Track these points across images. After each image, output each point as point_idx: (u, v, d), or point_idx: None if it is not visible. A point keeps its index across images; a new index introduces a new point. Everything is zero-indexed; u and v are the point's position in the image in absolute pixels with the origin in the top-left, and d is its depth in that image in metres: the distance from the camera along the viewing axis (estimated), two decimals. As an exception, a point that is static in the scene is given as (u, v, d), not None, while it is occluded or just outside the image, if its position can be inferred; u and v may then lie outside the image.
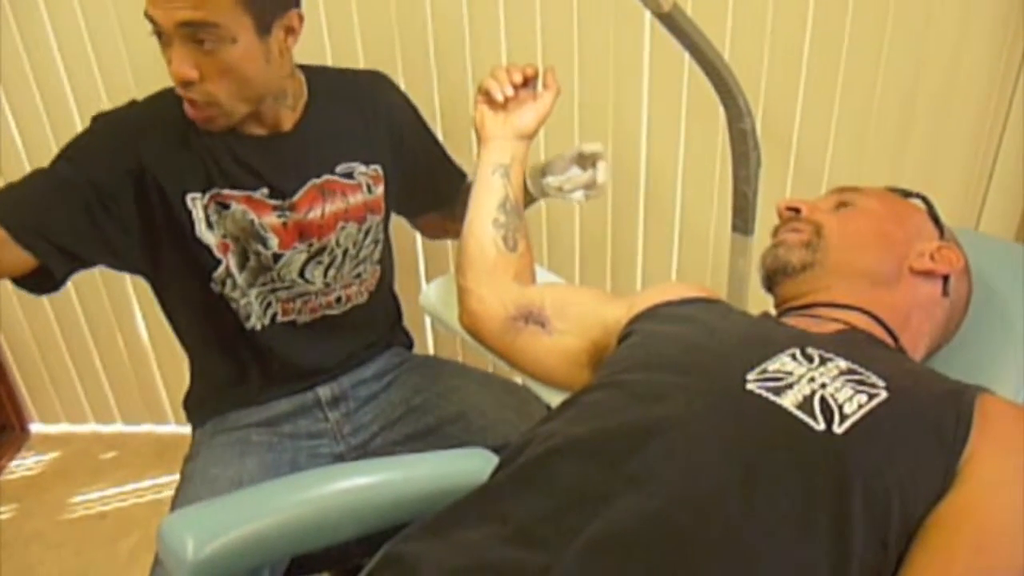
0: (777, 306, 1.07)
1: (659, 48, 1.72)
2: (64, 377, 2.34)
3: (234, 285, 1.30)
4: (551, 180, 1.31)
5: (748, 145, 1.34)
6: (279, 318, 1.36)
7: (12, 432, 2.40)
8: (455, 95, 1.81)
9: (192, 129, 1.21)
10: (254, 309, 1.33)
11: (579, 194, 1.31)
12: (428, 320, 2.04)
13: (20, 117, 1.96)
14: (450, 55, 1.79)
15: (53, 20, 1.84)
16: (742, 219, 1.43)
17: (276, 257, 1.30)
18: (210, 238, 1.25)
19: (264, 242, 1.28)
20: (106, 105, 1.87)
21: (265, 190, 1.26)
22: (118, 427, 2.41)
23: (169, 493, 2.12)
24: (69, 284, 2.16)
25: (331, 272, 1.36)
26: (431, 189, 1.47)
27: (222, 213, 1.25)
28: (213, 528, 0.90)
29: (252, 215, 1.26)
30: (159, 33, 1.10)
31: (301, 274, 1.33)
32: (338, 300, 1.40)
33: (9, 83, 1.92)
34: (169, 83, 1.16)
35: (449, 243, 1.99)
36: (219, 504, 0.98)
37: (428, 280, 2.00)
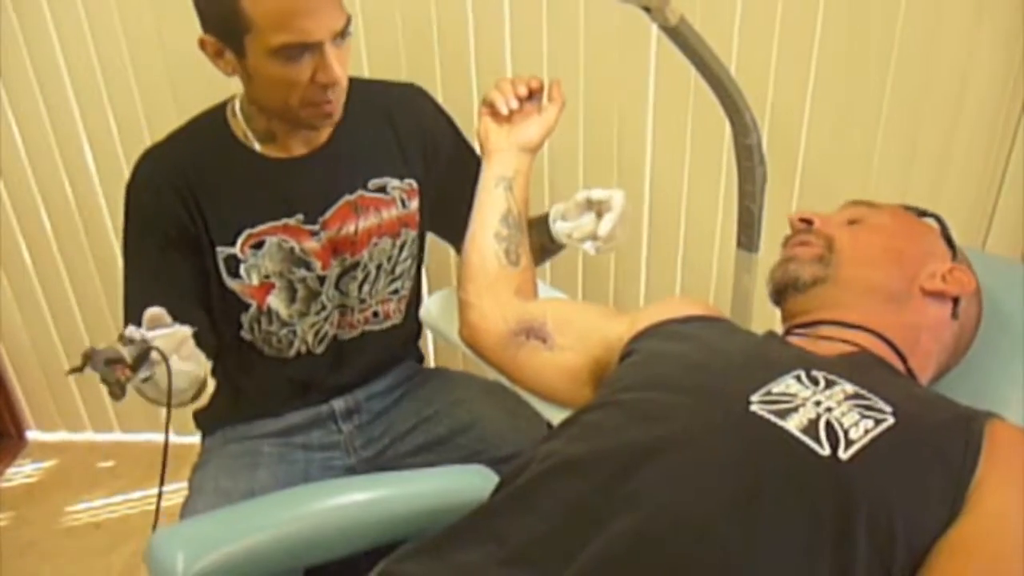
0: (784, 320, 1.05)
1: (665, 62, 1.71)
2: (62, 385, 2.33)
3: (271, 320, 1.30)
4: (561, 226, 1.30)
5: (754, 160, 1.33)
6: (328, 339, 1.36)
7: (9, 439, 2.39)
8: (460, 107, 1.79)
9: (219, 170, 1.24)
10: (299, 339, 1.33)
11: (588, 245, 1.27)
12: (430, 333, 2.02)
13: (20, 115, 1.95)
14: (455, 67, 1.79)
15: (55, 17, 1.83)
16: (747, 236, 1.42)
17: (321, 280, 1.30)
18: (235, 285, 1.26)
19: (308, 266, 1.29)
20: (107, 106, 1.89)
21: (300, 216, 1.26)
22: (116, 436, 2.39)
23: (165, 503, 2.11)
24: (69, 291, 2.18)
25: (365, 287, 1.36)
26: (469, 211, 1.41)
27: (257, 254, 1.25)
28: (204, 544, 0.89)
29: (291, 242, 1.27)
30: (295, 57, 1.10)
31: (336, 286, 1.33)
32: (375, 315, 1.40)
33: (10, 82, 1.91)
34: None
35: (452, 256, 1.97)
36: (211, 519, 0.97)
37: (430, 293, 1.99)
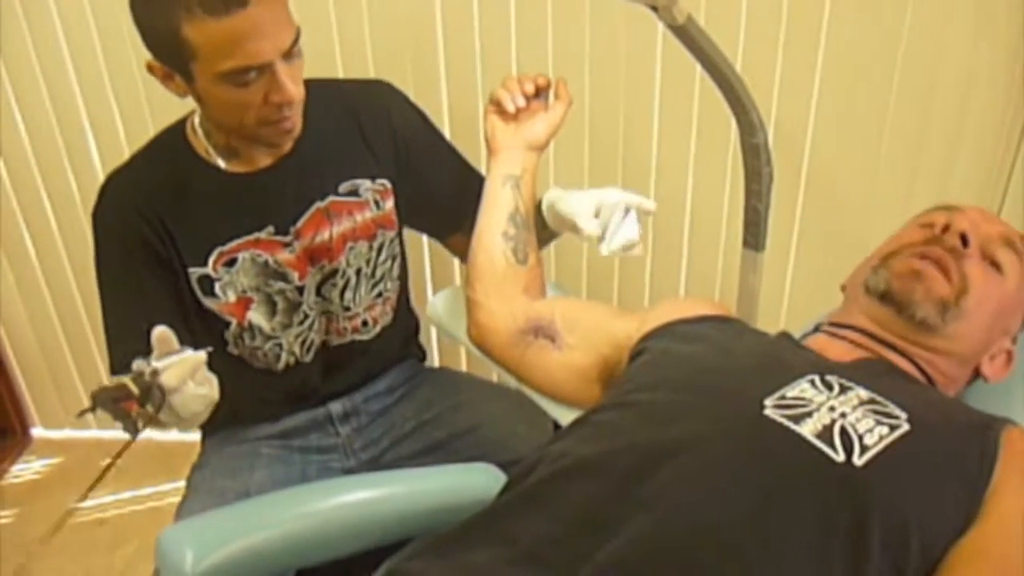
0: (855, 305, 0.99)
1: (670, 60, 1.71)
2: (67, 382, 2.33)
3: (254, 335, 1.29)
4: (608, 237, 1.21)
5: (761, 160, 1.33)
6: (315, 347, 1.35)
7: (14, 436, 2.39)
8: (465, 106, 1.80)
9: (184, 191, 1.21)
10: (286, 351, 1.32)
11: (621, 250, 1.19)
12: (433, 331, 2.02)
13: (25, 107, 1.94)
14: (461, 66, 1.78)
15: (58, 3, 1.82)
16: (753, 235, 1.42)
17: (300, 290, 1.29)
18: (212, 304, 1.25)
19: (284, 277, 1.27)
20: (110, 95, 1.89)
21: (271, 228, 1.24)
22: (120, 433, 2.37)
23: (169, 501, 2.10)
24: (73, 288, 2.18)
25: (348, 294, 1.33)
26: (452, 205, 1.38)
27: (231, 271, 1.23)
28: (212, 541, 0.89)
29: (265, 256, 1.25)
30: (245, 80, 1.06)
31: (318, 292, 1.31)
32: (364, 324, 1.38)
33: (13, 70, 1.91)
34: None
35: (456, 254, 1.97)
36: (219, 516, 0.97)
37: (435, 291, 1.99)
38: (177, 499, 1.34)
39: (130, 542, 2.03)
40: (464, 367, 2.10)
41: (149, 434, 2.39)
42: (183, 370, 0.95)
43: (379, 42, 1.78)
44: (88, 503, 2.18)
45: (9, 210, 2.06)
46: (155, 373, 0.93)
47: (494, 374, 1.96)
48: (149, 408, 0.92)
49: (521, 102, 1.22)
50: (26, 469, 2.32)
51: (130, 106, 1.90)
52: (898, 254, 0.96)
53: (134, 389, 0.91)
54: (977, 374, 0.99)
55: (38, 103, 1.92)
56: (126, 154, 1.89)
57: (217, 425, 1.40)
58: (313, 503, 0.98)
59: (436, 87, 1.80)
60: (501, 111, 1.24)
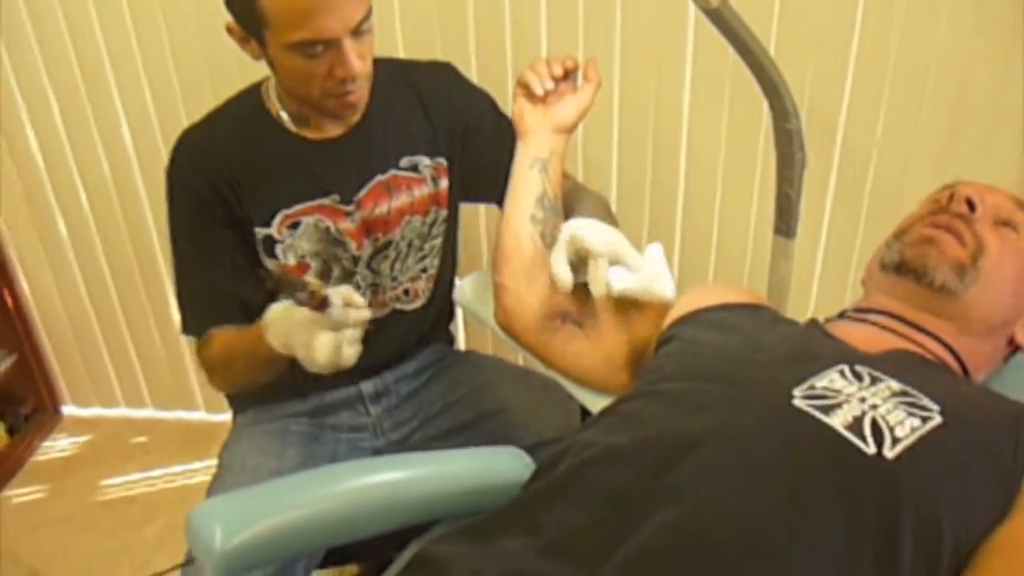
0: (874, 286, 0.99)
1: (702, 44, 1.69)
2: (97, 361, 2.36)
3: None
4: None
5: (794, 146, 1.31)
6: None
7: (45, 413, 2.42)
8: (494, 88, 1.78)
9: (256, 151, 1.24)
10: None
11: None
12: (461, 315, 2.02)
13: (53, 74, 1.96)
14: (490, 47, 1.78)
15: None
16: (785, 222, 1.40)
17: (355, 260, 1.31)
18: (271, 265, 1.27)
19: (343, 246, 1.30)
20: (139, 63, 1.89)
21: (336, 196, 1.27)
22: (149, 412, 2.42)
23: (197, 480, 2.13)
24: (104, 267, 2.20)
25: (397, 265, 1.36)
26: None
27: (294, 235, 1.26)
28: (242, 519, 0.90)
29: (327, 223, 1.27)
30: (312, 52, 1.10)
31: (368, 266, 1.34)
32: (406, 293, 1.40)
33: (11, 40, 1.91)
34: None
35: (484, 237, 1.97)
36: (248, 494, 0.97)
37: (462, 275, 1.98)
38: (203, 479, 1.35)
39: (159, 519, 2.05)
40: (490, 350, 2.10)
41: (179, 413, 2.43)
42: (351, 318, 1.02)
43: (408, 24, 1.77)
44: (118, 480, 2.21)
45: (42, 191, 2.08)
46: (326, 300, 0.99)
47: (520, 358, 1.96)
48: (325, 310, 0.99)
49: (550, 85, 1.21)
50: (56, 446, 2.36)
51: (161, 84, 1.91)
52: (908, 229, 0.96)
53: (317, 291, 0.98)
54: (1015, 348, 0.97)
55: (70, 80, 1.94)
56: (157, 132, 1.94)
57: (249, 401, 1.41)
58: (342, 483, 0.98)
59: (466, 69, 1.78)
60: (529, 94, 1.22)
